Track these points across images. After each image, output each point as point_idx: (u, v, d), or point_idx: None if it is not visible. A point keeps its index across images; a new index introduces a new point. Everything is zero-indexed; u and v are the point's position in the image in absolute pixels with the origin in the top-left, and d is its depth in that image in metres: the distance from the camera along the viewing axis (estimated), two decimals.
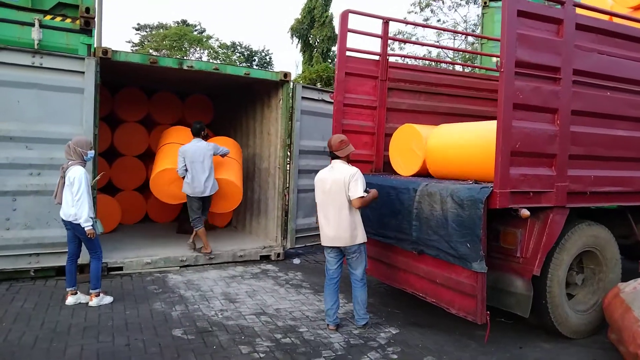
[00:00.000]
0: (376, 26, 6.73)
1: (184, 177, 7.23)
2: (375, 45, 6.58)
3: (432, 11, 26.44)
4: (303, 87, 8.05)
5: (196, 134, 7.39)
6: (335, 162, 4.79)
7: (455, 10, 26.60)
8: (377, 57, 6.57)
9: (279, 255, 7.73)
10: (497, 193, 4.18)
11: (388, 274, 5.44)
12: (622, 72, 4.81)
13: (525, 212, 4.29)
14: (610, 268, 4.99)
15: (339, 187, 4.62)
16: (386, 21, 6.68)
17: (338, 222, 4.64)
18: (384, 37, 6.69)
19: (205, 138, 7.55)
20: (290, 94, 7.82)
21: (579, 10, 4.71)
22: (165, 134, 8.31)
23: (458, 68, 19.27)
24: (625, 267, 5.15)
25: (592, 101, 4.68)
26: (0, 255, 5.74)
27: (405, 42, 22.03)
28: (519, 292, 4.48)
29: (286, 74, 7.69)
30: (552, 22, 4.46)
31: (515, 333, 4.91)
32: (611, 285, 4.88)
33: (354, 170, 4.66)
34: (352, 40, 6.24)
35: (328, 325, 4.85)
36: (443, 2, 26.36)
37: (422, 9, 26.44)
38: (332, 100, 6.29)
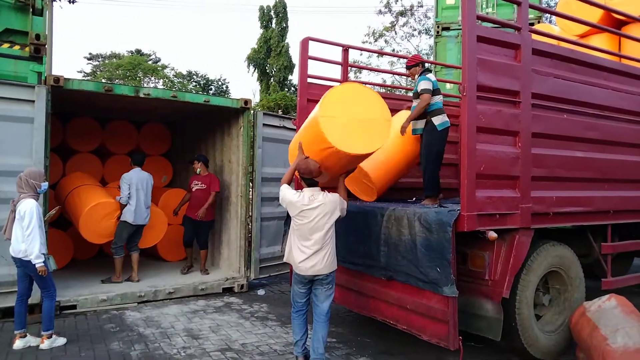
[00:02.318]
0: (334, 55, 6.79)
1: (124, 206, 7.14)
2: (334, 72, 6.64)
3: (385, 41, 27.14)
4: (264, 114, 7.97)
5: (139, 163, 7.51)
6: (315, 190, 4.49)
7: (408, 40, 27.32)
8: (337, 84, 6.61)
9: (242, 286, 7.48)
10: (464, 216, 4.19)
11: (357, 301, 5.33)
12: (577, 95, 4.99)
13: (493, 235, 4.32)
14: (574, 287, 5.05)
15: (328, 217, 4.40)
16: (346, 49, 6.76)
17: (321, 251, 4.38)
18: (344, 64, 6.77)
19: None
20: (251, 121, 7.73)
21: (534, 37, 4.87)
22: (71, 180, 8.13)
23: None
24: (586, 285, 5.22)
25: (551, 124, 4.81)
26: None
27: (364, 69, 22.42)
28: (489, 316, 4.46)
29: (247, 101, 7.61)
30: (510, 48, 4.59)
31: (486, 356, 4.87)
32: (577, 304, 4.95)
33: (338, 197, 4.51)
34: (312, 68, 6.27)
35: (297, 357, 4.67)
36: (396, 33, 27.15)
37: (376, 40, 27.11)
38: (295, 127, 6.24)
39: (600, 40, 7.25)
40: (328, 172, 4.66)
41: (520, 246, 4.51)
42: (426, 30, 26.21)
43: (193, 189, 7.85)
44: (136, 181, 7.20)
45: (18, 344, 4.90)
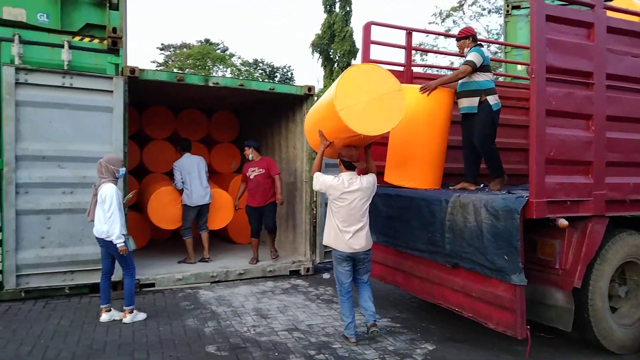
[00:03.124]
0: (398, 38, 6.70)
1: (181, 191, 7.59)
2: (398, 56, 6.56)
3: (453, 22, 26.29)
4: None
5: (187, 149, 7.90)
6: (352, 174, 4.74)
7: (477, 20, 26.34)
8: (401, 68, 6.54)
9: (308, 270, 7.68)
10: (533, 203, 4.07)
11: (421, 288, 5.32)
12: None
13: (564, 222, 4.17)
14: None
15: (365, 199, 4.73)
16: (409, 32, 6.66)
17: (362, 229, 4.70)
18: (408, 47, 6.67)
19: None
20: None
21: (609, 13, 4.60)
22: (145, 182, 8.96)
23: None
24: None
25: (628, 106, 4.55)
26: (36, 273, 5.83)
27: (428, 51, 21.92)
28: (559, 305, 4.32)
29: (310, 88, 7.70)
30: (582, 26, 4.36)
31: (556, 348, 4.74)
32: None
33: (373, 180, 4.79)
34: (377, 52, 6.24)
35: (348, 338, 4.82)
36: (464, 13, 26.25)
37: (443, 20, 26.34)
38: None
39: None
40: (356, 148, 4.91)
41: (593, 235, 4.32)
42: (496, 9, 25.15)
43: (251, 177, 7.65)
44: (187, 166, 7.61)
45: (104, 317, 5.32)
